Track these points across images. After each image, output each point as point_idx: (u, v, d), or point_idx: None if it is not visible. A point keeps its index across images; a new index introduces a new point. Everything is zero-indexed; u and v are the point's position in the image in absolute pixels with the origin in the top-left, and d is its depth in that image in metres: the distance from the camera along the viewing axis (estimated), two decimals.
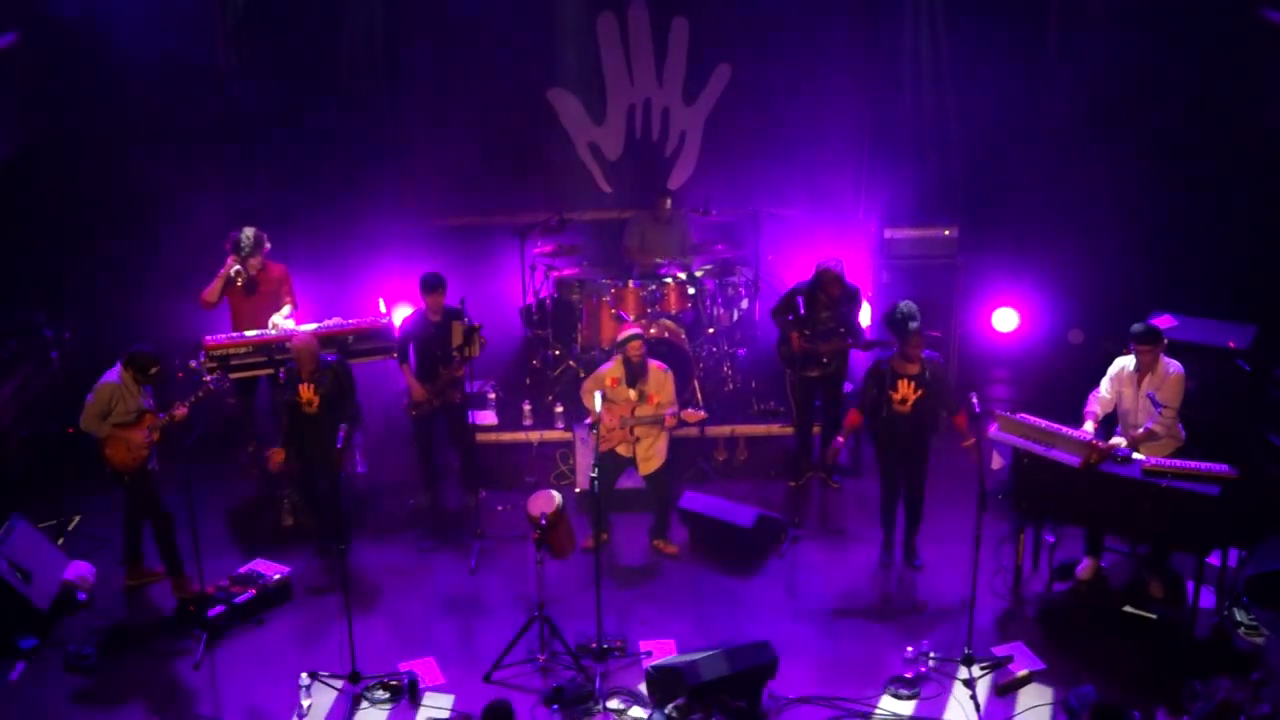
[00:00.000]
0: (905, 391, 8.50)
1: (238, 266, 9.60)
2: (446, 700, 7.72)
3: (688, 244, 11.26)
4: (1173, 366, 8.27)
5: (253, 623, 8.47)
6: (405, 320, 9.77)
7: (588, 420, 9.12)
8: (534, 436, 10.31)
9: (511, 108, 11.92)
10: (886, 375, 8.60)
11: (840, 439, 8.99)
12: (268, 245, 9.74)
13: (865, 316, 10.75)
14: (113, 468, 8.49)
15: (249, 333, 9.61)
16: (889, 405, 8.57)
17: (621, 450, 9.07)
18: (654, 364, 9.09)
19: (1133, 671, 7.79)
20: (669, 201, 11.23)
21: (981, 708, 7.58)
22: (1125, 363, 8.40)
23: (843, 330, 9.56)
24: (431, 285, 9.38)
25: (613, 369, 9.05)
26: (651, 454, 9.09)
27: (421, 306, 9.55)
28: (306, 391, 8.77)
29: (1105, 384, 8.49)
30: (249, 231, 9.64)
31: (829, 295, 9.48)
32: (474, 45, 11.66)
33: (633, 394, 8.97)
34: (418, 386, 9.49)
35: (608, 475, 8.90)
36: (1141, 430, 8.25)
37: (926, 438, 8.71)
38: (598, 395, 8.70)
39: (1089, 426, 8.31)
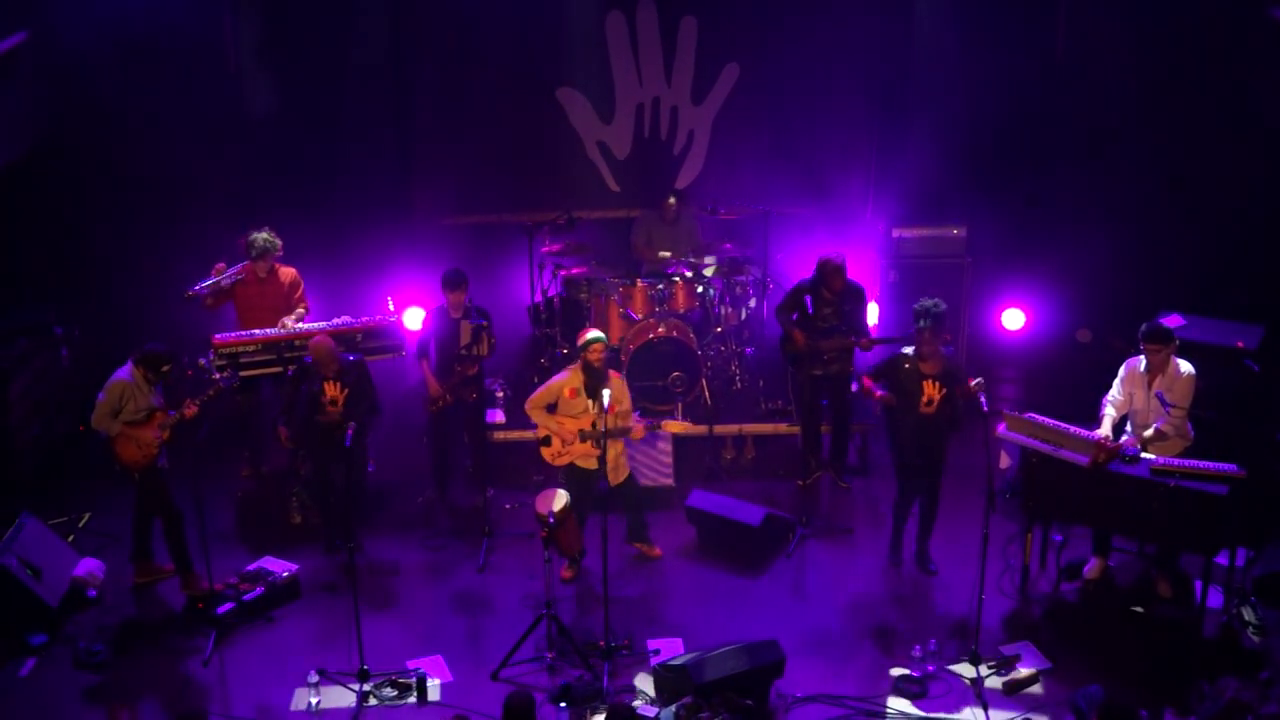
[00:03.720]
0: (930, 392, 8.40)
1: (227, 279, 9.64)
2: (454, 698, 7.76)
3: (695, 243, 11.27)
4: (1184, 366, 8.25)
5: (262, 620, 8.50)
6: (427, 317, 9.78)
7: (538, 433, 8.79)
8: (542, 435, 10.29)
9: (520, 107, 11.94)
10: (913, 375, 8.47)
11: (868, 381, 8.59)
12: (280, 249, 9.77)
13: (873, 316, 10.75)
14: (123, 465, 8.52)
15: (258, 330, 9.64)
16: (916, 408, 8.46)
17: (583, 464, 8.68)
18: (611, 371, 8.69)
19: (1140, 671, 7.79)
20: (675, 202, 11.24)
21: (989, 707, 7.58)
22: (1136, 363, 8.39)
23: (845, 328, 9.55)
24: (454, 282, 9.40)
25: (569, 379, 8.61)
26: (619, 463, 8.77)
27: (440, 303, 9.56)
28: (332, 389, 8.78)
29: (1117, 385, 8.47)
30: (260, 235, 9.67)
31: (831, 289, 9.47)
32: (483, 44, 11.68)
33: (593, 405, 8.50)
34: (434, 383, 9.50)
35: (576, 491, 8.53)
36: (1151, 430, 8.25)
37: (945, 441, 8.65)
38: (602, 407, 8.31)
39: (1106, 426, 8.28)
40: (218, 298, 9.73)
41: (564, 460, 8.69)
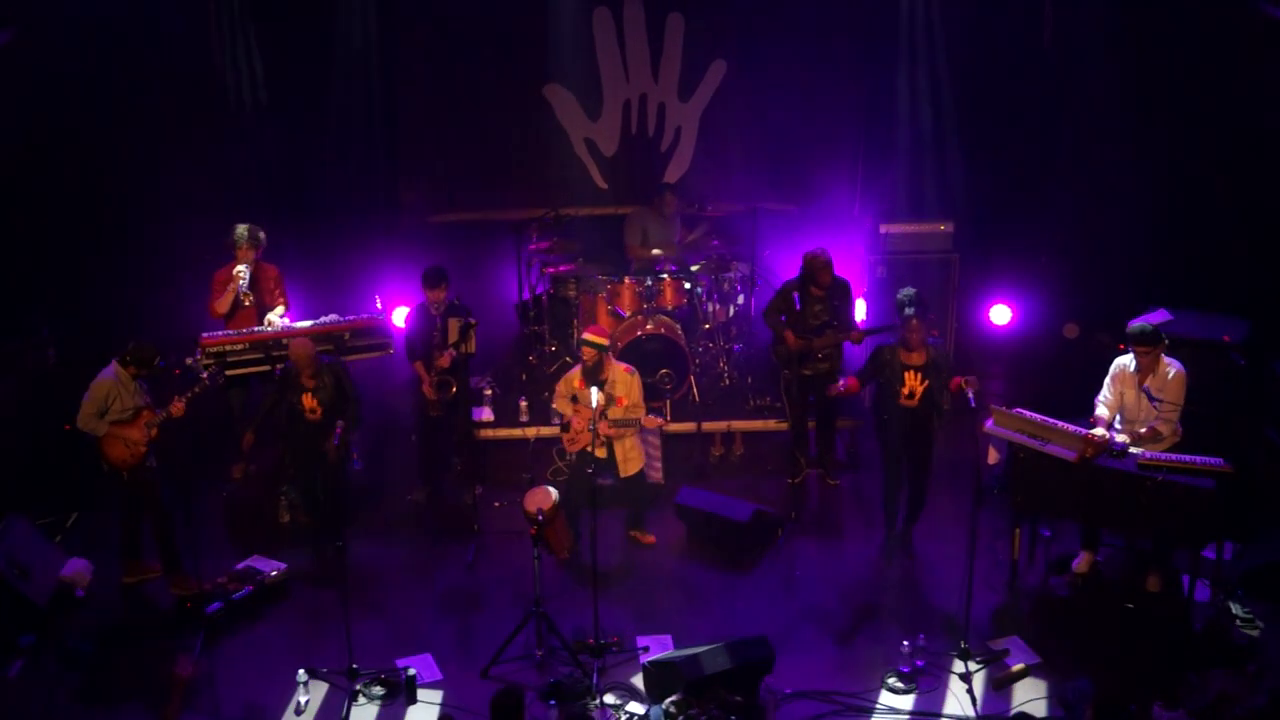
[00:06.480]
0: (912, 384, 8.49)
1: (244, 274, 9.62)
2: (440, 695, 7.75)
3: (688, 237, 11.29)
4: (1174, 366, 8.25)
5: (250, 619, 8.47)
6: (408, 317, 9.75)
7: (556, 421, 9.06)
8: (530, 433, 10.30)
9: (507, 104, 11.93)
10: (894, 365, 8.57)
11: (841, 385, 8.83)
12: (263, 242, 9.77)
13: (860, 312, 10.77)
14: (111, 465, 8.50)
15: (245, 330, 9.62)
16: (896, 399, 8.56)
17: (597, 452, 8.82)
18: (621, 366, 8.89)
19: (1129, 665, 7.80)
20: (672, 197, 11.23)
21: (978, 701, 7.59)
22: (1125, 362, 8.39)
23: (835, 323, 9.56)
24: (433, 280, 9.40)
25: (579, 370, 8.92)
26: (630, 455, 8.96)
27: (420, 300, 9.55)
28: (310, 400, 8.81)
29: (1107, 385, 8.46)
30: (242, 228, 9.70)
31: (819, 284, 9.48)
32: (469, 41, 11.67)
33: (599, 396, 8.57)
34: (429, 384, 9.49)
35: (581, 480, 8.75)
36: (1145, 429, 8.24)
37: (932, 429, 8.71)
38: (596, 397, 8.52)
39: (1099, 430, 8.26)
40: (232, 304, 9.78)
41: (577, 447, 8.82)
